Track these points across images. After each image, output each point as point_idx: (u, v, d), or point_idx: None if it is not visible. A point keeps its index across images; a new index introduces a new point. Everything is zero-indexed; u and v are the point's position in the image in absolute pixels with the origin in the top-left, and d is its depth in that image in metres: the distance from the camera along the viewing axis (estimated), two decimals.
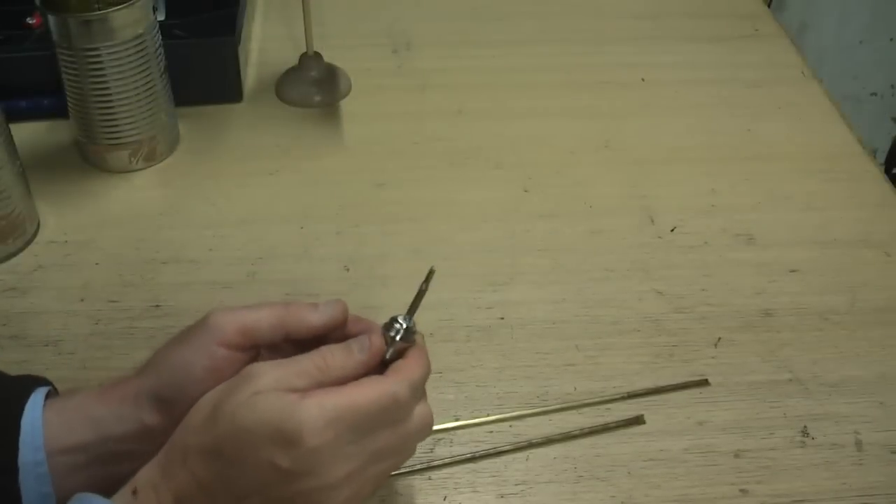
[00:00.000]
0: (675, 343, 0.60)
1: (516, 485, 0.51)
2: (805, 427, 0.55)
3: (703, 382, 0.57)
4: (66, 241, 0.68)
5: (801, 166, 0.77)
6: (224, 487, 0.40)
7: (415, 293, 0.45)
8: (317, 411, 0.40)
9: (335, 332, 0.46)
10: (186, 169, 0.76)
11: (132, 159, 0.74)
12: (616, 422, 0.55)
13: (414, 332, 0.45)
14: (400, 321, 0.45)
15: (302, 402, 0.40)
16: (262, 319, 0.44)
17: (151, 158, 0.75)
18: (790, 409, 0.56)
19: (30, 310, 0.62)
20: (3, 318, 0.61)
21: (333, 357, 0.43)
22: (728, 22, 0.97)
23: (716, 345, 0.60)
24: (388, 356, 0.44)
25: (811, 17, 1.65)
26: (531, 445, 0.53)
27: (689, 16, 0.98)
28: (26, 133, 0.77)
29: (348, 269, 0.66)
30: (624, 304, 0.63)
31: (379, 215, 0.71)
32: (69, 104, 0.73)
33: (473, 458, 0.53)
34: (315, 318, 0.45)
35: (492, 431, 0.54)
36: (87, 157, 0.75)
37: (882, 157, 1.72)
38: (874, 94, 1.76)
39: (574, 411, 0.56)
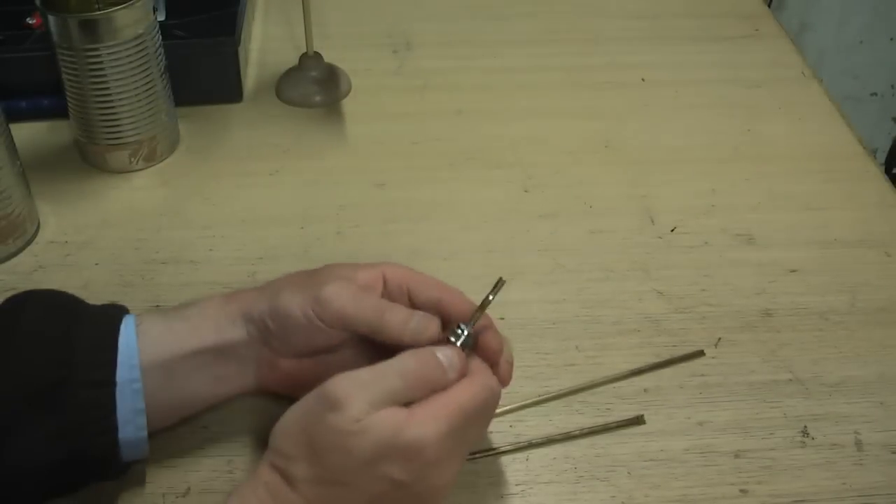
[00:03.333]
0: (675, 343, 0.60)
1: (516, 485, 0.51)
2: (805, 427, 0.55)
3: (699, 353, 0.58)
4: (66, 242, 0.68)
5: (801, 166, 0.77)
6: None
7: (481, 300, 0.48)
8: (433, 425, 0.42)
9: None
10: (186, 169, 0.76)
11: (132, 159, 0.74)
12: (616, 422, 0.55)
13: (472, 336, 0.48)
14: (462, 327, 0.47)
15: (414, 418, 0.42)
16: (360, 318, 0.47)
17: (151, 158, 0.75)
18: (790, 409, 0.56)
19: None
20: None
21: (424, 372, 0.44)
22: (728, 22, 0.97)
23: (716, 345, 0.60)
24: None
25: (811, 17, 1.65)
26: (531, 445, 0.54)
27: (689, 16, 0.98)
28: (26, 133, 0.77)
29: None
30: (624, 304, 0.63)
31: (379, 215, 0.71)
32: (69, 104, 0.73)
33: (473, 459, 0.52)
34: (402, 334, 0.46)
35: (492, 431, 0.54)
36: (87, 157, 0.75)
37: (882, 157, 1.73)
38: (874, 94, 1.76)
39: (574, 412, 0.56)
